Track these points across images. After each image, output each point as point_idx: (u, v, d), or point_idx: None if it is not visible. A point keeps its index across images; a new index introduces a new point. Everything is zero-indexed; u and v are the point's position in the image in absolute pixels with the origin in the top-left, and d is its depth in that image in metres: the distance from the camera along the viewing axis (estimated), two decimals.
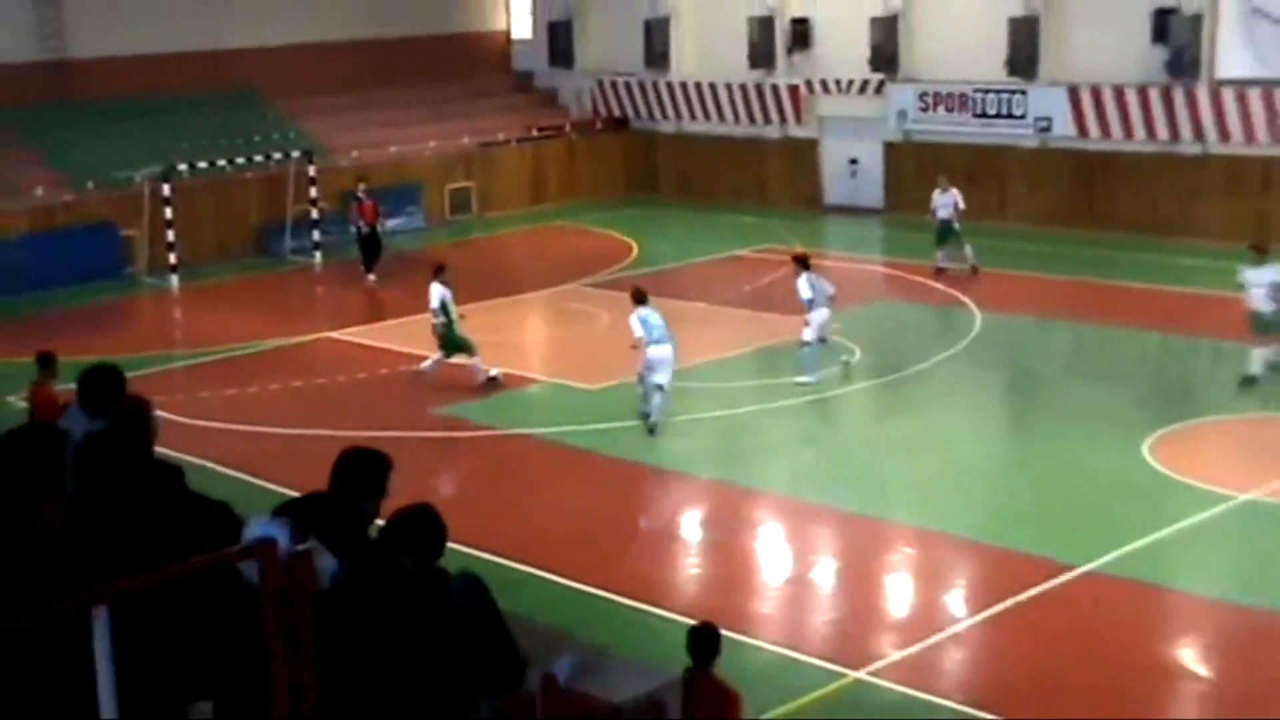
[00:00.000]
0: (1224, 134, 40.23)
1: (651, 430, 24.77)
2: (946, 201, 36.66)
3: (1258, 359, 26.19)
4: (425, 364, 28.00)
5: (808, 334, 27.32)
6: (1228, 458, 23.39)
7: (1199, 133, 40.57)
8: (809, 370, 27.21)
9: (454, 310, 27.75)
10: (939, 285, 35.09)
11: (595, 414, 26.01)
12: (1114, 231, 39.04)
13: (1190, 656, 17.46)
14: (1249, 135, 39.77)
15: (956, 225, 36.52)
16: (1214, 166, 40.29)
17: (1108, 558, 19.34)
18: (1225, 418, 25.36)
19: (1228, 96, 40.04)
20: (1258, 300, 26.30)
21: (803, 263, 27.93)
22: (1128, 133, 41.66)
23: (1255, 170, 39.71)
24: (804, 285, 27.27)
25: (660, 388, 24.74)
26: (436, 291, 27.57)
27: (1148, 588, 18.76)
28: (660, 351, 24.75)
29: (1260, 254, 26.83)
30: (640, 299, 25.40)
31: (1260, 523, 20.94)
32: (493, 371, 27.64)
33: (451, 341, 27.65)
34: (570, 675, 7.29)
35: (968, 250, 36.14)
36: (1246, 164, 39.88)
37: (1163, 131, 41.14)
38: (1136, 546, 19.74)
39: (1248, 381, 26.09)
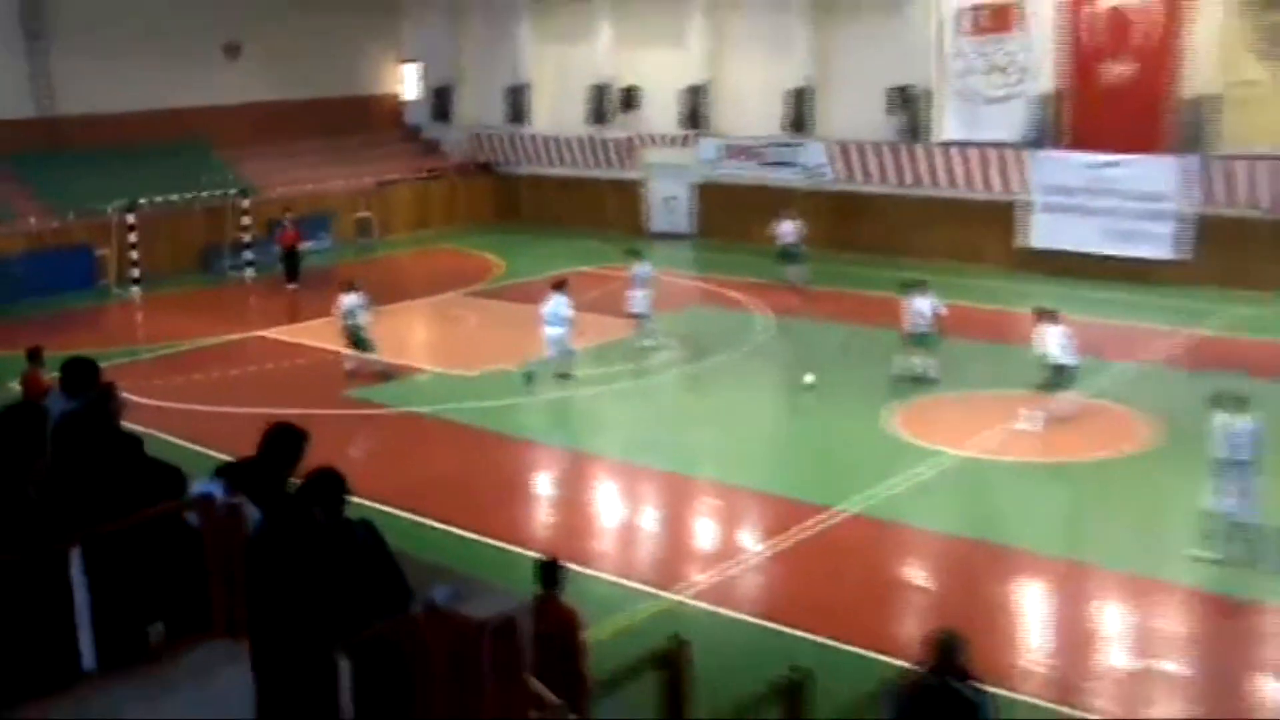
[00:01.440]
0: (941, 181, 41.03)
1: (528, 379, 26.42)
2: (788, 229, 36.74)
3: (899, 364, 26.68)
4: (349, 364, 27.75)
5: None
6: (947, 424, 23.74)
7: (925, 179, 41.31)
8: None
9: (363, 316, 27.59)
10: (740, 295, 35.32)
11: (471, 395, 25.93)
12: (866, 253, 39.53)
13: (920, 576, 17.76)
14: (956, 182, 40.70)
15: (798, 249, 36.57)
16: (937, 205, 40.95)
17: (861, 501, 19.67)
18: (947, 394, 25.76)
19: (944, 153, 40.85)
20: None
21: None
22: (874, 178, 42.28)
23: (964, 208, 40.50)
24: None
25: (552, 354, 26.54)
26: (346, 301, 27.49)
27: (889, 524, 19.08)
28: (550, 331, 26.46)
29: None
30: (558, 285, 27.52)
31: (971, 472, 21.45)
32: (385, 363, 27.76)
33: (361, 341, 27.52)
34: (446, 600, 7.26)
35: (801, 270, 36.21)
36: (958, 203, 40.64)
37: (899, 177, 41.80)
38: (881, 492, 20.10)
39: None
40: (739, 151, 45.08)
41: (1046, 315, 24.48)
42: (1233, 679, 14.61)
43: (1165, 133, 37.38)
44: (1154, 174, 37.25)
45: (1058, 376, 23.66)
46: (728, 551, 18.35)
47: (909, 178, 41.59)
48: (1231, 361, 28.06)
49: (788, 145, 43.83)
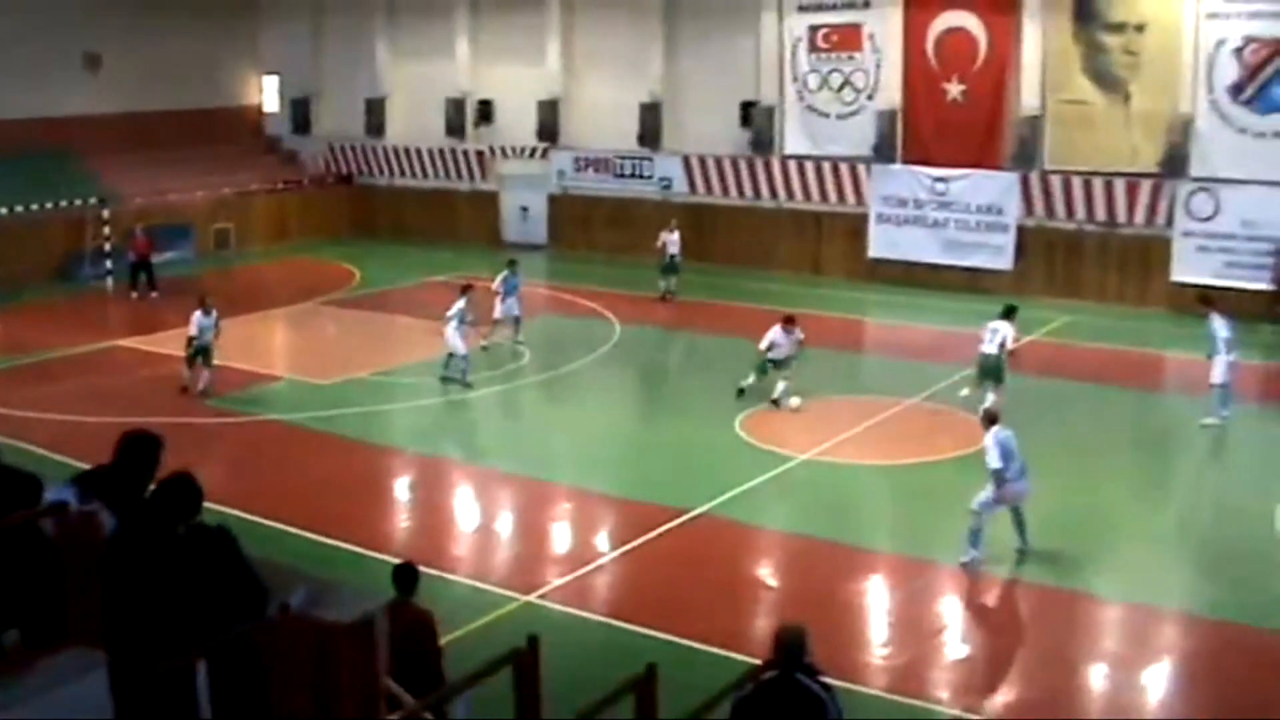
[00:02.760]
0: (789, 194, 41.50)
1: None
2: (673, 240, 36.79)
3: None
4: (200, 383, 26.71)
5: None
6: (797, 429, 23.99)
7: (773, 192, 41.76)
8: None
9: (208, 335, 26.63)
10: (593, 304, 35.38)
11: (327, 403, 25.67)
12: (716, 264, 39.80)
13: (769, 575, 17.95)
14: (806, 195, 41.18)
15: (679, 261, 36.69)
16: (784, 217, 41.43)
17: (711, 504, 19.82)
18: (793, 401, 26.04)
19: (791, 167, 41.35)
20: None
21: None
22: (724, 191, 42.65)
23: (811, 220, 41.02)
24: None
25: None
26: (198, 320, 26.39)
27: (739, 525, 19.26)
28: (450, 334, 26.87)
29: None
30: (464, 289, 28.05)
31: (814, 475, 21.72)
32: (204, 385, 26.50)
33: (204, 355, 26.62)
34: (302, 603, 7.19)
35: (674, 281, 36.42)
36: (805, 215, 41.14)
37: (749, 190, 42.21)
38: (731, 495, 20.28)
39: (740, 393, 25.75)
40: (592, 164, 45.19)
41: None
42: (1067, 664, 14.96)
43: (1000, 149, 38.24)
44: (990, 188, 38.08)
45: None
46: (583, 554, 18.37)
47: (759, 190, 42.00)
48: (1058, 367, 28.79)
49: (640, 158, 44.04)
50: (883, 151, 39.72)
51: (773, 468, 21.71)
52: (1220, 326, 24.42)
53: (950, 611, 16.72)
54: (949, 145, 38.75)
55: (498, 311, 30.06)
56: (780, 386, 25.23)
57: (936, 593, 17.22)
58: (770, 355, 25.46)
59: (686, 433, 24.10)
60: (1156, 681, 14.91)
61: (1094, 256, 37.19)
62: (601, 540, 19.01)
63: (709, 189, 42.92)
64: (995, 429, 17.90)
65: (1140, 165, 36.20)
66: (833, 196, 40.88)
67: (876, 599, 17.21)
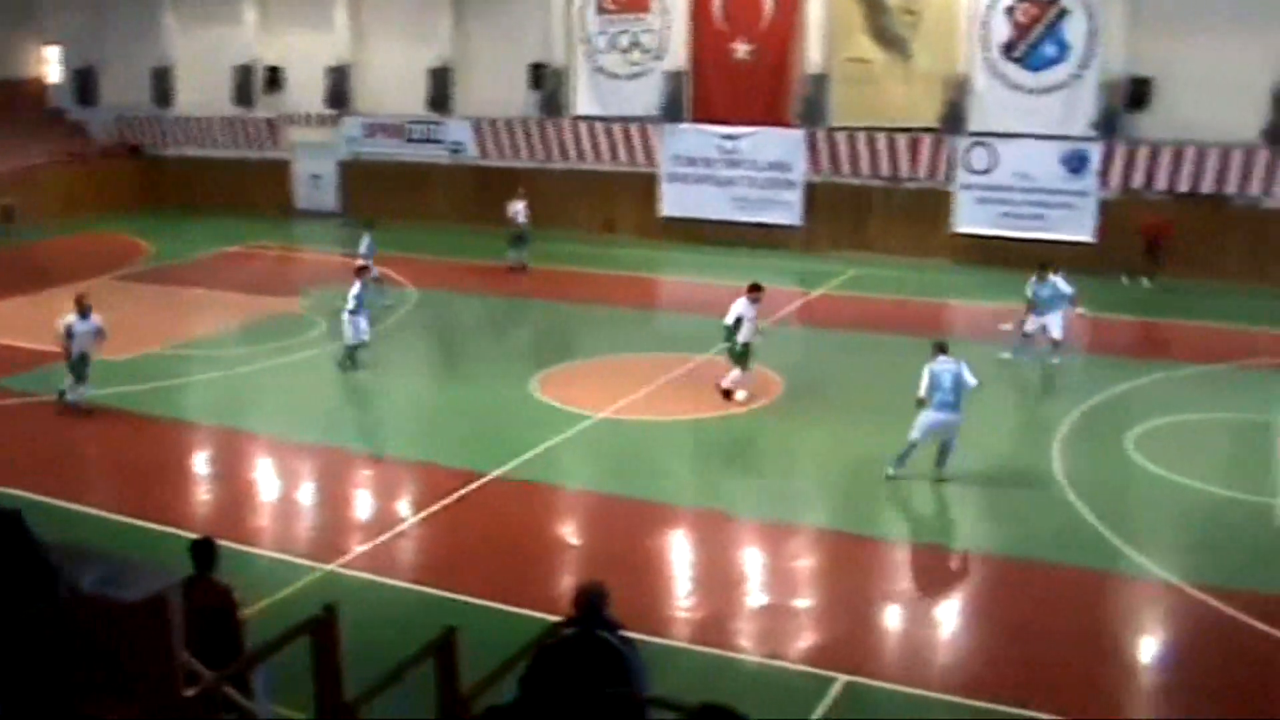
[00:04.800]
0: (581, 155, 41.60)
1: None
2: (519, 210, 36.21)
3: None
4: (73, 395, 25.07)
5: None
6: (593, 389, 24.14)
7: (564, 154, 41.82)
8: None
9: (90, 344, 24.72)
10: (387, 270, 35.04)
11: (122, 379, 25.00)
12: (505, 228, 39.60)
13: (570, 533, 18.07)
14: (597, 156, 41.34)
15: (527, 230, 36.06)
16: (576, 178, 41.54)
17: (510, 465, 19.87)
18: (589, 360, 26.26)
19: (582, 128, 41.45)
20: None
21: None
22: (515, 153, 42.58)
23: (603, 181, 41.20)
24: None
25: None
26: (74, 325, 24.45)
27: (539, 486, 19.30)
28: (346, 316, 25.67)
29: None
30: (359, 270, 26.83)
31: (612, 433, 21.90)
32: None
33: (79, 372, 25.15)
34: (94, 584, 7.08)
35: (525, 252, 35.97)
36: (597, 176, 41.31)
37: (540, 153, 42.21)
38: (529, 456, 20.34)
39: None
40: (383, 130, 44.73)
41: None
42: (865, 609, 15.38)
43: (787, 107, 38.82)
44: (778, 145, 38.66)
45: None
46: (383, 520, 18.27)
47: (550, 152, 42.02)
48: (846, 318, 29.45)
49: (430, 123, 43.71)
50: (672, 111, 40.05)
51: (570, 427, 21.83)
52: (1064, 284, 26.00)
53: (751, 563, 17.04)
54: (737, 104, 39.23)
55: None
56: (734, 374, 23.46)
57: (737, 545, 17.53)
58: (739, 335, 23.16)
59: (483, 396, 24.08)
60: (949, 617, 15.43)
61: (880, 210, 38.09)
62: (402, 506, 18.92)
63: (500, 152, 42.82)
64: (942, 357, 19.06)
65: (921, 121, 37.14)
66: (624, 157, 41.10)
67: (678, 553, 17.46)
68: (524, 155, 42.41)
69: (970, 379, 18.98)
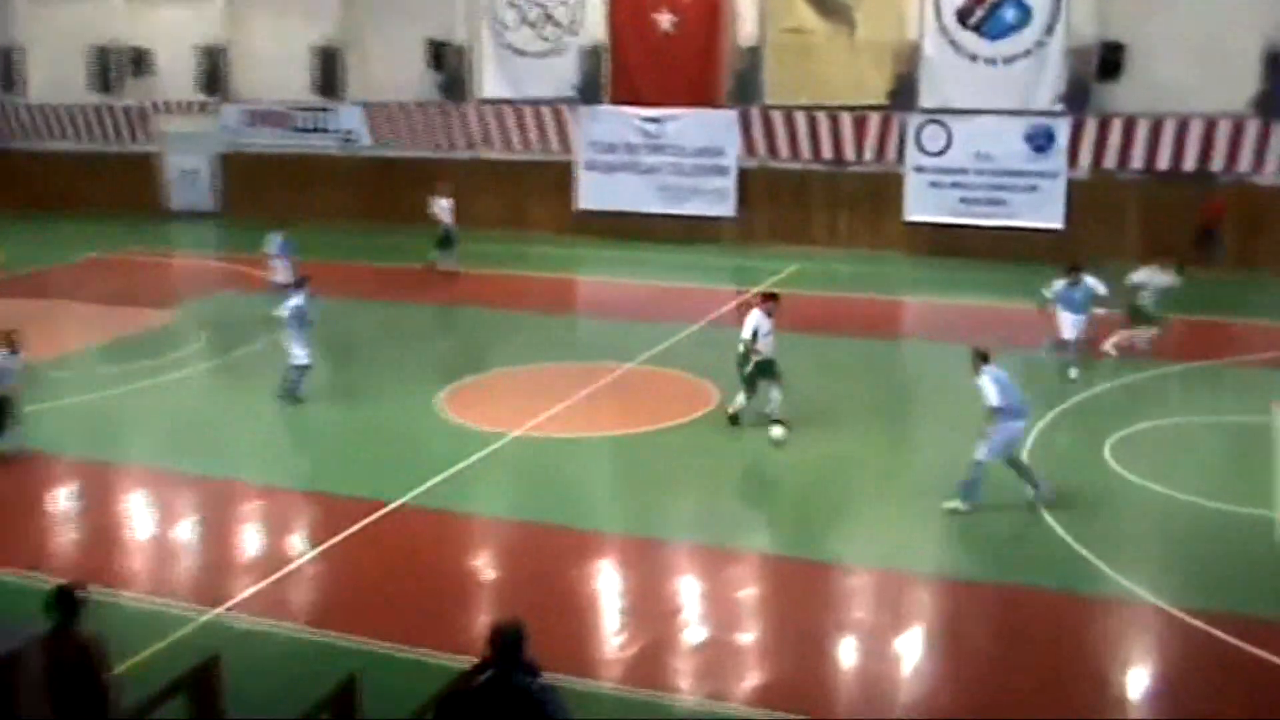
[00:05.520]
0: (488, 142, 41.51)
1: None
2: (445, 207, 35.92)
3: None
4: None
5: None
6: (506, 403, 24.07)
7: (469, 141, 41.70)
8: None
9: (10, 380, 24.12)
10: (265, 275, 34.75)
11: None
12: (406, 224, 39.51)
13: (485, 567, 17.93)
14: (506, 143, 41.26)
15: (453, 230, 35.80)
16: (482, 168, 41.44)
17: (416, 492, 19.70)
18: (501, 372, 26.18)
19: (489, 113, 41.36)
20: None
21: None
22: (414, 141, 42.42)
23: (513, 171, 41.14)
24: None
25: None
26: None
27: (449, 515, 19.14)
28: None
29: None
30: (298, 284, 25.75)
31: (528, 453, 21.78)
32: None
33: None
34: None
35: (453, 254, 35.67)
36: (506, 166, 41.26)
37: (441, 140, 42.07)
38: (436, 481, 20.18)
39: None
40: (265, 118, 44.41)
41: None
42: (814, 642, 15.35)
43: (717, 85, 38.87)
44: (707, 128, 38.72)
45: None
46: (274, 558, 18.01)
47: (453, 140, 41.87)
48: (787, 319, 29.53)
49: (318, 110, 43.44)
50: (589, 92, 40.04)
51: (481, 447, 21.67)
52: (1098, 284, 25.49)
53: (687, 593, 16.95)
54: (661, 83, 39.27)
55: (282, 276, 29.88)
56: (774, 398, 22.44)
57: (671, 574, 17.44)
58: (757, 350, 22.30)
59: (385, 416, 23.89)
60: (910, 650, 15.42)
61: (823, 198, 38.26)
62: (295, 542, 18.68)
63: (397, 141, 42.62)
64: (987, 367, 18.70)
65: (868, 98, 37.32)
66: (536, 144, 41.04)
67: (606, 585, 17.34)
68: (424, 144, 42.23)
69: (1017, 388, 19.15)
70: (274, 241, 31.30)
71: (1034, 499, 18.86)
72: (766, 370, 22.40)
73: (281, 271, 30.27)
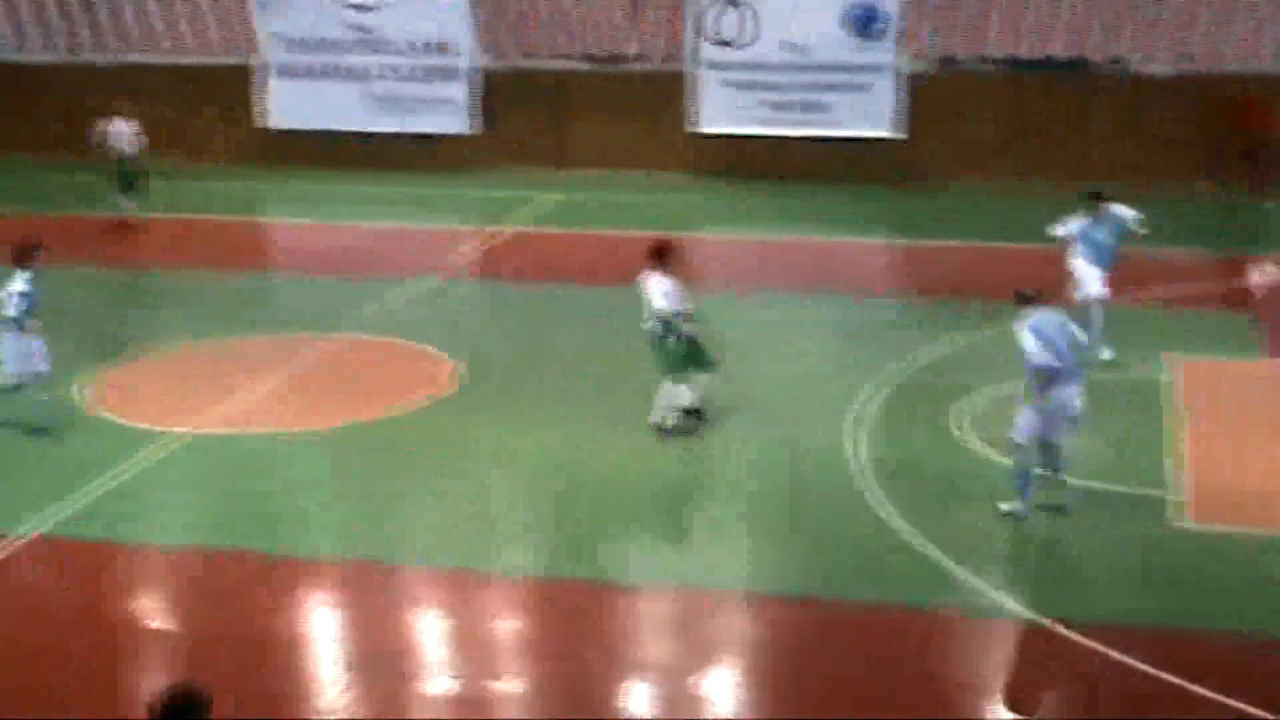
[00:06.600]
0: (131, 41, 41.04)
1: None
2: (122, 132, 33.94)
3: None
4: None
5: None
6: (169, 393, 23.78)
7: (102, 42, 41.20)
8: None
9: None
10: None
11: None
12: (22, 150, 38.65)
13: (149, 607, 17.55)
14: (157, 42, 40.77)
15: (140, 164, 34.01)
16: (128, 77, 40.64)
17: (54, 520, 19.16)
18: (169, 352, 25.85)
19: (126, 7, 40.79)
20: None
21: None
22: (27, 42, 41.75)
23: (175, 79, 40.67)
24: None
25: None
26: None
27: (100, 544, 18.66)
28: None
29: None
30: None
31: (210, 456, 21.53)
32: None
33: None
34: None
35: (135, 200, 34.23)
36: (162, 73, 40.76)
37: (60, 42, 41.57)
38: (83, 503, 19.66)
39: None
40: None
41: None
42: (591, 683, 15.36)
43: None
44: (433, 16, 38.50)
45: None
46: None
47: (79, 39, 41.11)
48: (546, 266, 29.60)
49: None
50: None
51: (144, 452, 21.27)
52: (1127, 213, 24.46)
53: (428, 629, 16.87)
54: None
55: None
56: (686, 389, 21.88)
57: (404, 605, 17.32)
58: (685, 317, 21.46)
59: (10, 416, 23.28)
60: (720, 693, 15.50)
61: (586, 107, 38.31)
62: None
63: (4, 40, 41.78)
64: (1030, 311, 18.41)
65: None
66: (208, 40, 40.52)
67: (318, 626, 17.14)
68: (40, 45, 41.32)
69: (1080, 334, 18.89)
70: None
71: (1059, 501, 18.83)
72: (696, 357, 21.76)
73: None
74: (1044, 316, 18.54)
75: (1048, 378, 18.26)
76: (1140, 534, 18.26)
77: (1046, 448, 18.72)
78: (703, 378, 21.83)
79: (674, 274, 21.62)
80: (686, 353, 21.48)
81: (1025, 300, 18.65)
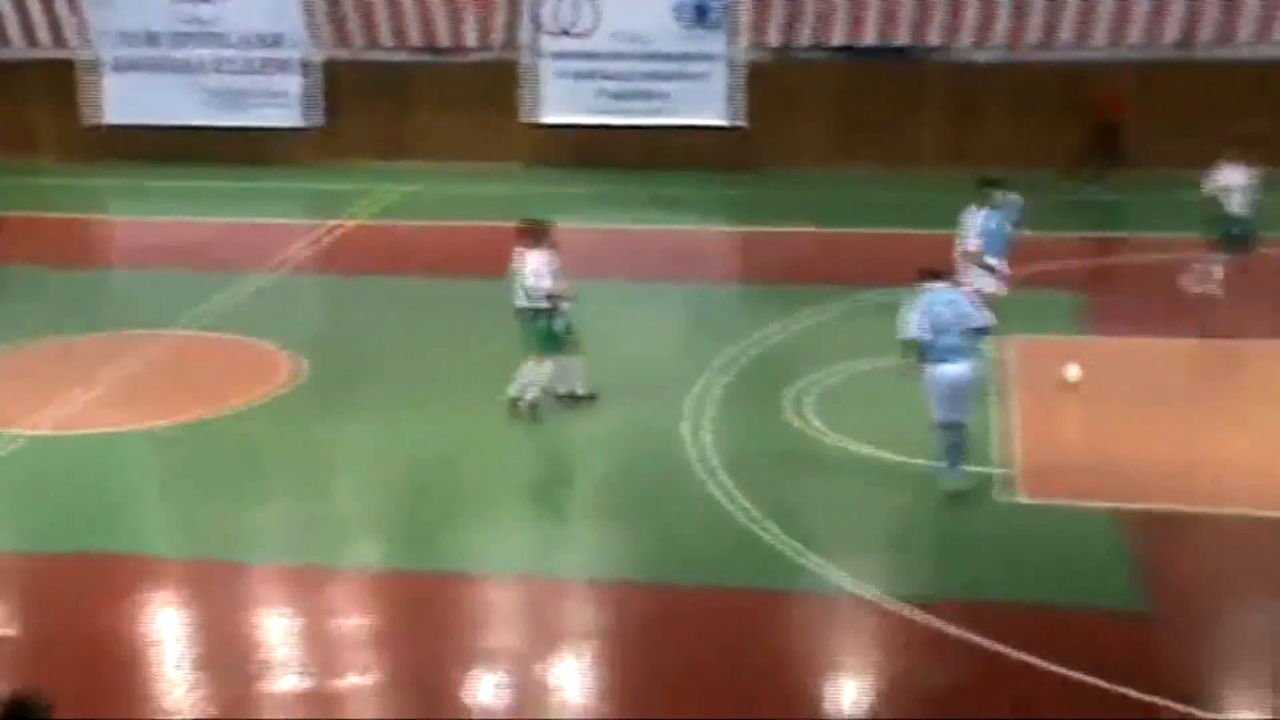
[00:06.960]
0: None
1: None
2: None
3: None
4: None
5: None
6: (1, 396, 23.45)
7: None
8: None
9: None
10: None
11: None
12: None
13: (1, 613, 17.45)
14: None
15: None
16: None
17: None
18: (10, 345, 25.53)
19: None
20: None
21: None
22: None
23: (9, 75, 40.09)
24: None
25: None
26: None
27: None
28: None
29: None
30: None
31: (47, 459, 21.23)
32: None
33: None
34: None
35: None
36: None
37: None
38: None
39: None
40: None
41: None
42: (450, 674, 15.35)
43: None
44: (266, 8, 38.22)
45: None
46: None
47: None
48: (389, 260, 29.51)
49: None
50: None
51: None
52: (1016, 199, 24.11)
53: (275, 627, 16.77)
54: None
55: None
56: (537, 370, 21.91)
57: (252, 604, 17.19)
58: (561, 297, 21.57)
59: None
60: (570, 688, 15.53)
61: (426, 98, 38.16)
62: None
63: None
64: (929, 286, 18.48)
65: None
66: (36, 36, 40.04)
67: (167, 627, 16.98)
68: None
69: (978, 315, 18.62)
70: None
71: (943, 484, 18.87)
72: (565, 337, 21.81)
73: None
74: (938, 294, 18.61)
75: (921, 352, 18.40)
76: (970, 510, 18.54)
77: (954, 427, 18.78)
78: (578, 360, 22.01)
79: (550, 251, 21.70)
80: (558, 332, 21.57)
81: (931, 274, 18.80)
